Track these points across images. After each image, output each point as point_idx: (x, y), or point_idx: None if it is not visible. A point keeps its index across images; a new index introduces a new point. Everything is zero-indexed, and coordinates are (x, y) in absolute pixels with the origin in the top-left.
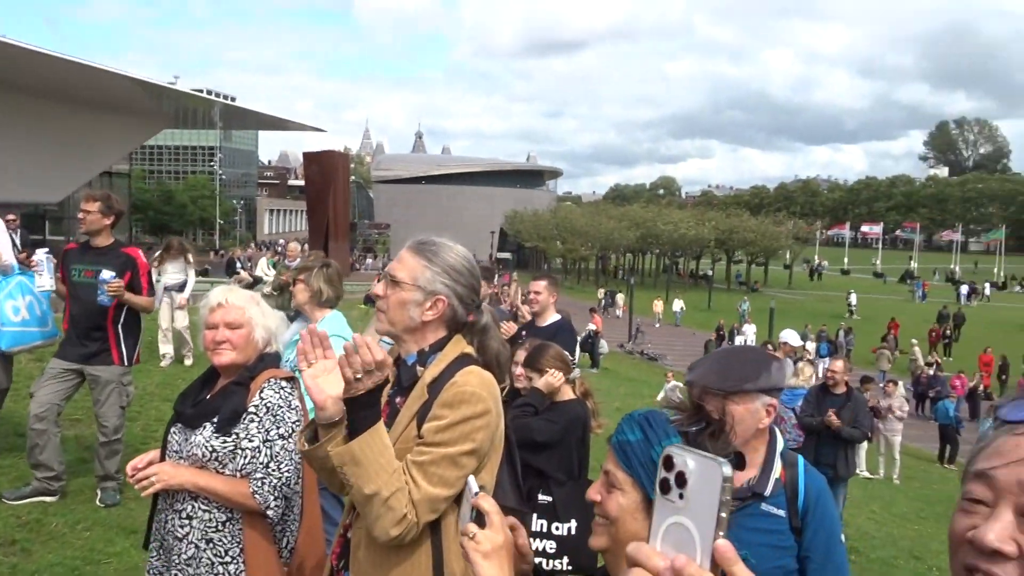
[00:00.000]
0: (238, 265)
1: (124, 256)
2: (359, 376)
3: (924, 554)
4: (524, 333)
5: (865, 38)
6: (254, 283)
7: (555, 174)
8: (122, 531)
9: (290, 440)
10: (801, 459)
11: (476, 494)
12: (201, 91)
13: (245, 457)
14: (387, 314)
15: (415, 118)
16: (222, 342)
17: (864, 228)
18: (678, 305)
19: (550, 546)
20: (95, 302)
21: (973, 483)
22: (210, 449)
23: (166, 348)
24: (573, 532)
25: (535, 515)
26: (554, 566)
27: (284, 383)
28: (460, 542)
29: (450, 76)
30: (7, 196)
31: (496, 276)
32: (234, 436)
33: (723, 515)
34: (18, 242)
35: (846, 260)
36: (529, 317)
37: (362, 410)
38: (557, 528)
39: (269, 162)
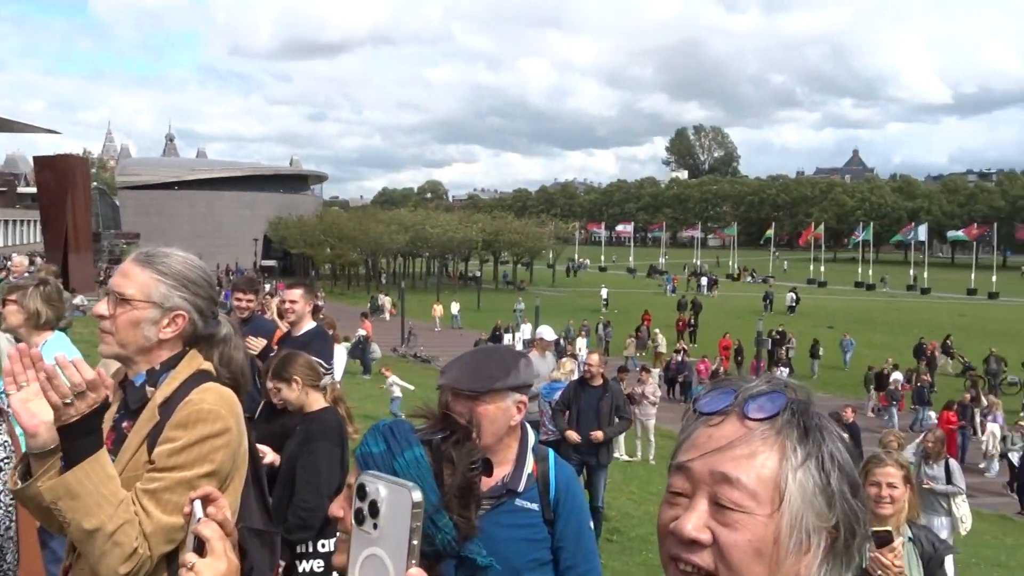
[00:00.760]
0: None
1: None
2: (68, 400)
3: None
4: (276, 348)
5: (611, 50)
6: None
7: (320, 178)
8: None
9: None
10: (552, 452)
11: (199, 520)
12: None
13: None
14: (115, 335)
15: (165, 120)
16: None
17: (618, 228)
18: (455, 308)
19: (317, 565)
20: None
21: (674, 476)
22: None
23: None
24: None
25: (323, 539)
26: None
27: None
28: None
29: (203, 76)
30: None
31: (263, 285)
32: None
33: (415, 543)
34: None
35: (602, 258)
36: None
37: (78, 438)
38: (323, 545)
39: None
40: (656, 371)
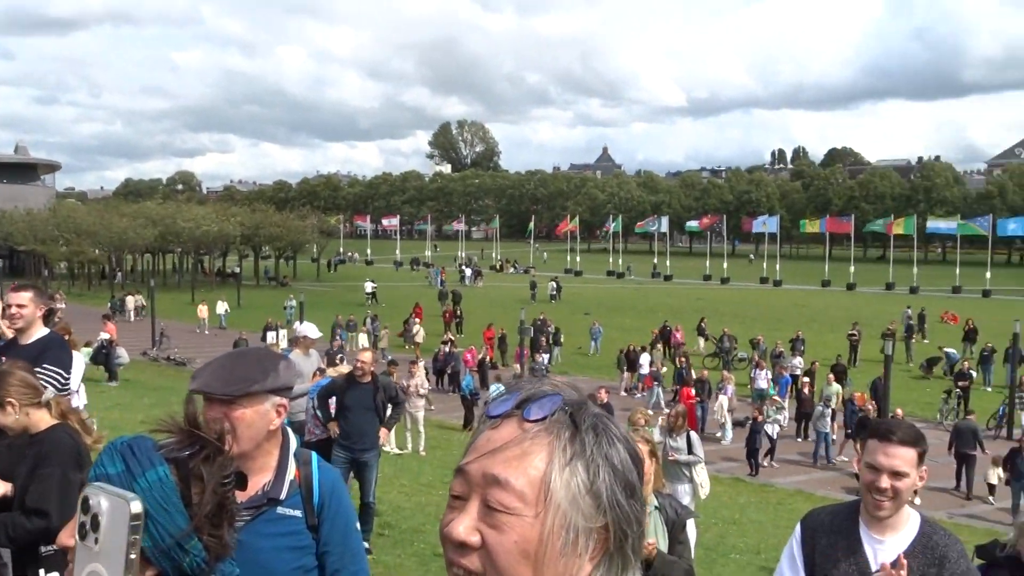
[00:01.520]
0: None
1: None
2: None
3: None
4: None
5: (371, 43)
6: None
7: (52, 168)
8: None
9: None
10: (315, 456)
11: None
12: None
13: None
14: None
15: None
16: None
17: (384, 221)
18: (222, 307)
19: None
20: None
21: (455, 479)
22: None
23: None
24: None
25: (42, 570)
26: None
27: None
28: None
29: None
30: None
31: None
32: None
33: (132, 556)
34: None
35: (368, 251)
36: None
37: None
38: None
39: None
40: (422, 363)
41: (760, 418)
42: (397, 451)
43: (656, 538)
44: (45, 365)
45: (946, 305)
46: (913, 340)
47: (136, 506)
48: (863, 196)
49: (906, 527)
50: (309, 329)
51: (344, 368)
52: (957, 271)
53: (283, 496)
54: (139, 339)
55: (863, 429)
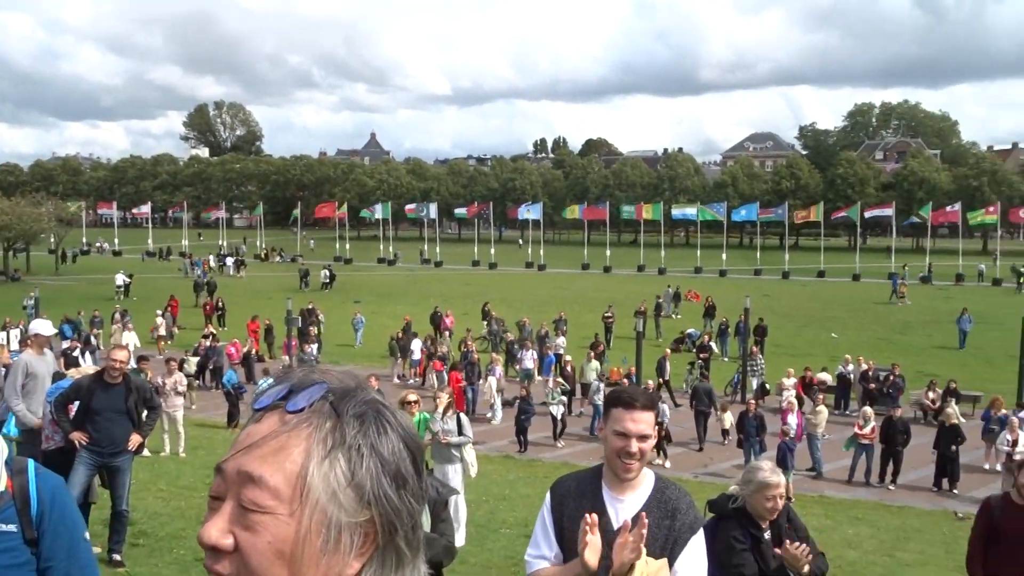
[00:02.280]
0: None
1: None
2: None
3: None
4: None
5: (110, 14)
6: None
7: None
8: None
9: None
10: (31, 464)
11: None
12: None
13: None
14: None
15: None
16: None
17: (135, 209)
18: None
19: None
20: None
21: (214, 479)
22: None
23: None
24: None
25: None
26: None
27: None
28: None
29: None
30: None
31: None
32: None
33: None
34: None
35: (116, 241)
36: None
37: None
38: None
39: None
40: (188, 358)
41: (527, 396)
42: (147, 453)
43: None
44: None
45: (690, 284)
46: (662, 317)
47: None
48: (616, 184)
49: (643, 485)
50: (41, 326)
51: (89, 368)
52: (698, 253)
53: None
54: None
55: None
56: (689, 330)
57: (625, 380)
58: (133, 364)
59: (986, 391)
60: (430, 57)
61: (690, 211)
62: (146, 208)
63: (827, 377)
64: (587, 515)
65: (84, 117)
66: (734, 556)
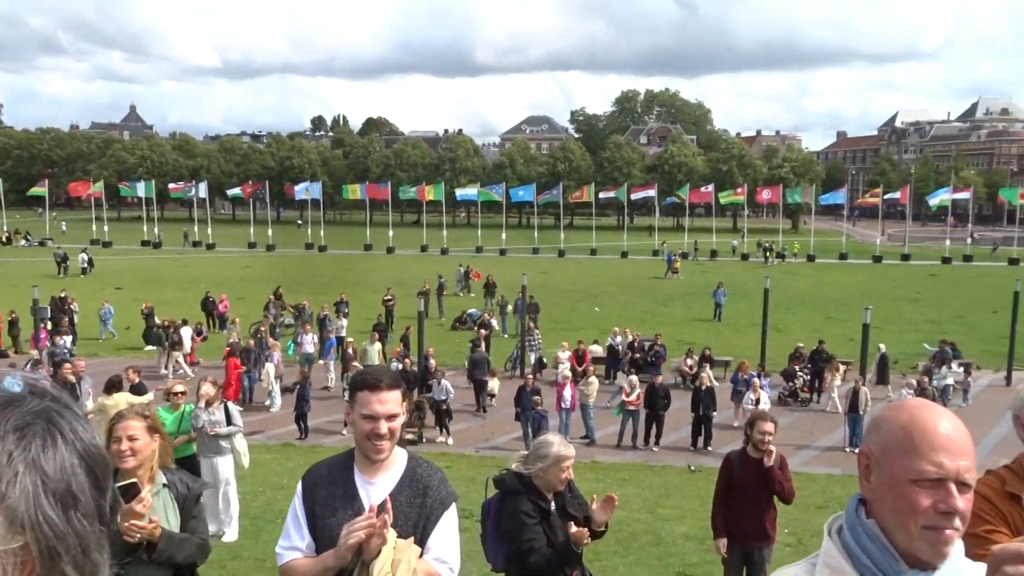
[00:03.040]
0: None
1: None
2: None
3: None
4: None
5: None
6: None
7: None
8: None
9: None
10: None
11: None
12: None
13: None
14: None
15: None
16: None
17: None
18: None
19: None
20: None
21: None
22: None
23: None
24: None
25: None
26: None
27: None
28: None
29: None
30: None
31: None
32: None
33: None
34: None
35: None
36: None
37: None
38: None
39: None
40: None
41: (307, 381)
42: None
43: (166, 516)
44: None
45: (472, 263)
46: (444, 296)
47: None
48: (398, 164)
49: (395, 466)
50: None
51: None
52: (479, 233)
53: None
54: None
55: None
56: (470, 310)
57: (407, 361)
58: None
59: (735, 356)
60: (195, 26)
61: (471, 192)
62: None
63: (598, 349)
64: (371, 507)
65: None
66: (526, 531)
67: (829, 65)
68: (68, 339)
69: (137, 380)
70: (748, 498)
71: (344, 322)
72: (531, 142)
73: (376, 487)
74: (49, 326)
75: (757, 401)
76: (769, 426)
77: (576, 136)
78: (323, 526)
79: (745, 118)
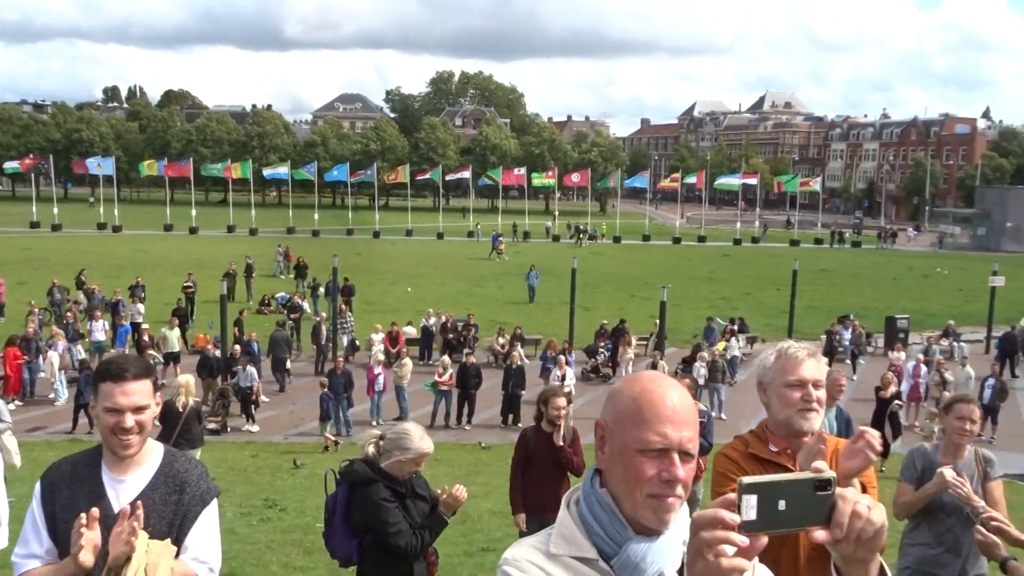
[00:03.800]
0: None
1: None
2: None
3: None
4: None
5: None
6: None
7: None
8: None
9: None
10: None
11: None
12: None
13: None
14: None
15: None
16: None
17: None
18: None
19: None
20: None
21: None
22: None
23: None
24: None
25: None
26: None
27: None
28: None
29: None
30: None
31: None
32: None
33: None
34: None
35: None
36: None
37: None
38: None
39: None
40: None
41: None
42: None
43: None
44: None
45: (283, 244)
46: (253, 278)
47: None
48: (201, 140)
49: (148, 461)
50: None
51: None
52: (291, 213)
53: None
54: None
55: (203, 368)
56: (278, 293)
57: (210, 346)
58: None
59: (545, 335)
60: None
61: (282, 171)
62: None
63: (412, 330)
64: (82, 514)
65: None
66: (389, 515)
67: (633, 55)
68: None
69: None
70: (543, 472)
71: (141, 307)
72: (344, 120)
73: (126, 485)
74: None
75: (563, 378)
76: (561, 401)
77: (391, 116)
78: (65, 530)
79: (556, 103)
